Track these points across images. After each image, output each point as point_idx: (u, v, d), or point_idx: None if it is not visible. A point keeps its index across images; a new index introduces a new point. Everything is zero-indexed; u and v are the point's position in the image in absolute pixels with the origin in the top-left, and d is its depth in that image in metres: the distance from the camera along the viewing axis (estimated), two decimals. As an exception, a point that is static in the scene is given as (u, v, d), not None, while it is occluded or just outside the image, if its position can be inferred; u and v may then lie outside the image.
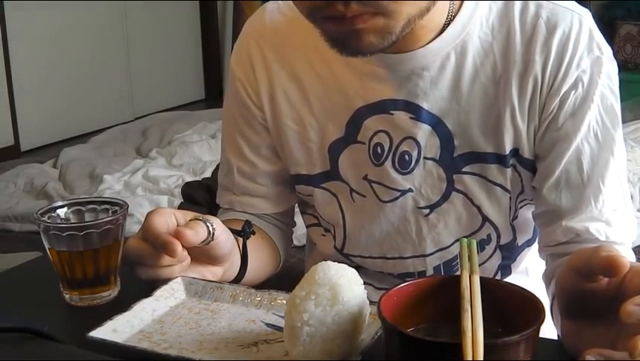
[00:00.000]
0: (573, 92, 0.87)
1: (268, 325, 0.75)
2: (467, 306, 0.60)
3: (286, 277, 1.01)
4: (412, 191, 0.94)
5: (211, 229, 0.82)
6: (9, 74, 4.15)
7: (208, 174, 2.88)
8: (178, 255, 0.79)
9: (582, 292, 0.65)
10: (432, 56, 0.88)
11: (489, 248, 0.98)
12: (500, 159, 0.91)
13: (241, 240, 0.90)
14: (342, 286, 0.65)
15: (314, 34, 0.82)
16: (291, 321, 0.64)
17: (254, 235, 0.92)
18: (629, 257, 0.81)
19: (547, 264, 0.94)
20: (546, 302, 0.80)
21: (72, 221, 0.85)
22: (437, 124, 0.90)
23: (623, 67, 4.13)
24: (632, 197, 2.38)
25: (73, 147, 3.70)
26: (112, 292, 0.84)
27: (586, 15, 0.88)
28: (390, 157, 0.93)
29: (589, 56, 0.87)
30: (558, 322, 0.73)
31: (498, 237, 0.97)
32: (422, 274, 0.99)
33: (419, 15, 0.77)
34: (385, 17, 0.74)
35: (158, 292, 0.79)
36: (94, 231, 0.80)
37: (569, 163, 0.88)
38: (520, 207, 0.96)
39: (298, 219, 1.10)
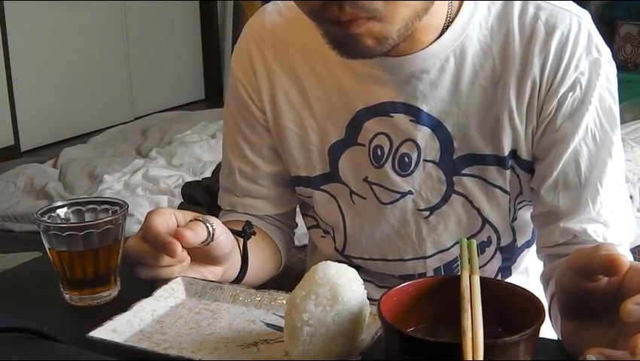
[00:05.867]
0: (571, 94, 0.87)
1: (268, 325, 0.75)
2: (467, 306, 0.61)
3: (286, 277, 1.01)
4: (412, 193, 0.94)
5: (211, 229, 0.82)
6: (9, 74, 4.15)
7: (208, 174, 2.88)
8: (178, 255, 0.79)
9: (582, 291, 0.65)
10: (431, 59, 0.88)
11: (490, 250, 0.98)
12: (499, 161, 0.91)
13: (241, 240, 0.91)
14: (342, 286, 0.65)
15: (314, 36, 0.82)
16: (291, 321, 0.64)
17: (254, 235, 0.92)
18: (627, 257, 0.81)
19: (544, 265, 0.94)
20: (545, 303, 0.80)
21: (72, 221, 0.85)
22: (436, 126, 0.90)
23: (622, 67, 4.15)
24: (631, 197, 2.39)
25: (73, 147, 3.70)
26: (112, 292, 0.84)
27: (585, 17, 0.89)
28: (390, 159, 0.93)
29: (588, 57, 0.87)
30: (557, 322, 0.73)
31: (499, 239, 0.97)
32: (422, 276, 0.99)
33: (415, 17, 0.77)
34: (380, 22, 0.74)
35: (158, 292, 0.79)
36: (94, 231, 0.80)
37: (567, 165, 0.88)
38: (519, 209, 0.96)
39: (299, 219, 1.10)
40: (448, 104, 0.90)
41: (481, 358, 0.55)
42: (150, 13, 5.16)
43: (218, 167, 1.11)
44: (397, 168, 0.93)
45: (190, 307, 0.79)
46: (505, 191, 0.93)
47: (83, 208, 0.86)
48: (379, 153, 0.93)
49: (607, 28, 4.57)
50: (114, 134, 4.00)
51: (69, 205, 0.86)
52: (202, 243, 0.82)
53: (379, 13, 0.73)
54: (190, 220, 0.83)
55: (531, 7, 0.88)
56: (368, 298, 0.68)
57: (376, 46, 0.76)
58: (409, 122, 0.91)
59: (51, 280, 0.84)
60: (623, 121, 0.89)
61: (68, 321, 0.83)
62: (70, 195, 2.92)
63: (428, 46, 0.87)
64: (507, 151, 0.90)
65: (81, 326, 0.71)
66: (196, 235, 0.80)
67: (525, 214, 0.97)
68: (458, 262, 0.69)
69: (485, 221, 0.94)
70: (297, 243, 1.79)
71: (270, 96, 0.97)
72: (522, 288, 0.65)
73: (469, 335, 0.57)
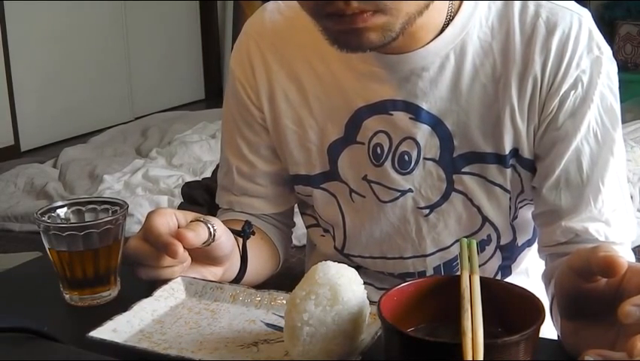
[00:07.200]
0: (572, 92, 0.87)
1: (268, 325, 0.75)
2: (467, 306, 0.60)
3: (286, 277, 1.01)
4: (412, 191, 0.94)
5: (211, 230, 0.82)
6: (9, 74, 4.15)
7: (208, 174, 2.89)
8: (179, 256, 0.79)
9: (581, 292, 0.65)
10: (431, 57, 0.88)
11: (490, 249, 0.98)
12: (500, 159, 0.91)
13: (241, 240, 0.90)
14: (342, 286, 0.65)
15: (314, 35, 0.82)
16: (291, 321, 0.64)
17: (254, 235, 0.92)
18: (628, 257, 0.81)
19: (546, 264, 0.94)
20: (546, 302, 0.80)
21: (72, 221, 0.85)
22: (436, 124, 0.90)
23: (623, 67, 4.16)
24: (632, 197, 2.39)
25: (73, 147, 3.71)
26: (112, 292, 0.84)
27: (585, 15, 0.89)
28: (390, 157, 0.93)
29: (589, 55, 0.87)
30: (557, 322, 0.73)
31: (498, 237, 0.97)
32: (422, 274, 0.99)
33: (418, 12, 0.77)
34: (386, 15, 0.74)
35: (158, 292, 0.79)
36: (94, 231, 0.80)
37: (569, 163, 0.88)
38: (520, 208, 0.96)
39: (298, 219, 1.10)
40: (448, 102, 0.90)
41: (481, 358, 0.55)
42: (150, 13, 5.16)
43: (218, 167, 1.10)
44: (396, 166, 0.93)
45: (190, 307, 0.79)
46: (505, 189, 0.93)
47: (83, 208, 0.86)
48: (378, 151, 0.93)
49: (607, 28, 4.57)
50: (114, 134, 4.01)
51: (69, 205, 0.86)
52: (204, 244, 0.82)
53: (386, 6, 0.73)
54: (191, 221, 0.82)
55: (532, 6, 0.88)
56: (367, 299, 0.68)
57: (378, 39, 0.76)
58: (409, 120, 0.91)
59: (51, 280, 0.84)
60: (623, 121, 0.89)
61: (68, 321, 0.83)
62: (70, 195, 2.93)
63: (428, 43, 0.87)
64: (507, 149, 0.90)
65: (81, 326, 0.71)
66: (198, 235, 0.80)
67: (526, 213, 0.96)
68: (458, 261, 0.69)
69: (485, 219, 0.94)
70: (296, 243, 1.78)
71: (269, 95, 0.97)
72: (522, 288, 0.65)
73: (469, 335, 0.57)
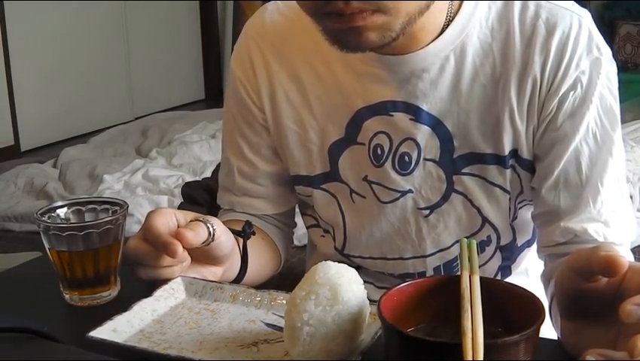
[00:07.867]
0: (572, 93, 0.87)
1: (268, 325, 0.75)
2: (467, 306, 0.61)
3: (286, 277, 1.01)
4: (412, 192, 0.94)
5: (211, 230, 0.82)
6: (9, 74, 4.15)
7: (208, 174, 2.89)
8: (178, 256, 0.79)
9: (581, 292, 0.65)
10: (432, 58, 0.88)
11: (489, 249, 0.98)
12: (499, 160, 0.91)
13: (241, 240, 0.91)
14: (342, 286, 0.65)
15: (314, 35, 0.82)
16: (291, 321, 0.64)
17: (254, 235, 0.92)
18: (627, 257, 0.81)
19: (545, 264, 0.94)
20: (545, 302, 0.80)
21: (72, 221, 0.85)
22: (436, 125, 0.91)
23: (623, 67, 4.16)
24: (631, 197, 2.39)
25: (73, 147, 3.71)
26: (112, 292, 0.84)
27: (585, 16, 0.89)
28: (390, 158, 0.93)
29: (589, 56, 0.87)
30: (557, 322, 0.73)
31: (498, 238, 0.97)
32: (422, 274, 0.99)
33: (418, 13, 0.77)
34: (385, 15, 0.74)
35: (158, 292, 0.79)
36: (94, 231, 0.80)
37: (568, 164, 0.88)
38: (520, 208, 0.96)
39: (298, 219, 1.10)
40: (448, 103, 0.90)
41: (481, 358, 0.55)
42: (150, 13, 5.16)
43: (218, 167, 1.11)
44: (397, 167, 0.93)
45: (190, 307, 0.79)
46: (505, 190, 0.93)
47: (83, 208, 0.86)
48: (379, 152, 0.93)
49: (607, 28, 4.57)
50: (114, 134, 4.01)
51: (69, 205, 0.86)
52: (203, 243, 0.82)
53: (386, 6, 0.73)
54: (191, 221, 0.83)
55: (532, 6, 0.88)
56: (367, 299, 0.68)
57: (378, 39, 0.76)
58: (409, 121, 0.91)
59: (51, 280, 0.84)
60: (623, 121, 0.90)
61: (68, 321, 0.83)
62: (70, 195, 2.93)
63: (428, 44, 0.87)
64: (507, 150, 0.90)
65: (81, 326, 0.71)
66: (197, 235, 0.80)
67: (526, 213, 0.97)
68: (458, 261, 0.69)
69: (485, 220, 0.94)
70: (297, 243, 1.78)
71: (270, 95, 0.97)
72: (522, 288, 0.65)
73: (469, 335, 0.57)
